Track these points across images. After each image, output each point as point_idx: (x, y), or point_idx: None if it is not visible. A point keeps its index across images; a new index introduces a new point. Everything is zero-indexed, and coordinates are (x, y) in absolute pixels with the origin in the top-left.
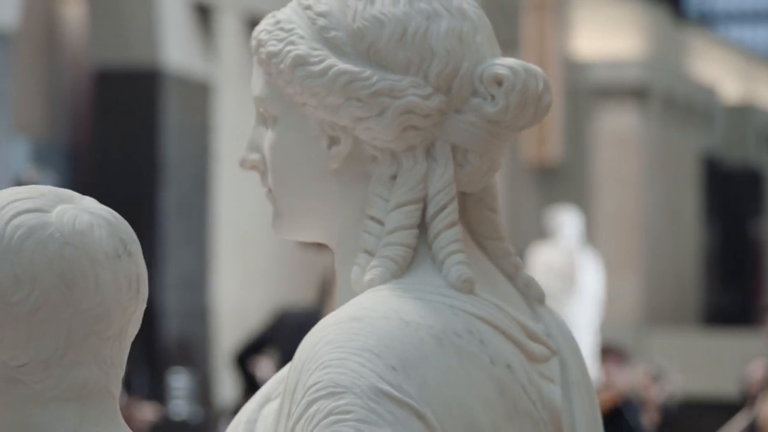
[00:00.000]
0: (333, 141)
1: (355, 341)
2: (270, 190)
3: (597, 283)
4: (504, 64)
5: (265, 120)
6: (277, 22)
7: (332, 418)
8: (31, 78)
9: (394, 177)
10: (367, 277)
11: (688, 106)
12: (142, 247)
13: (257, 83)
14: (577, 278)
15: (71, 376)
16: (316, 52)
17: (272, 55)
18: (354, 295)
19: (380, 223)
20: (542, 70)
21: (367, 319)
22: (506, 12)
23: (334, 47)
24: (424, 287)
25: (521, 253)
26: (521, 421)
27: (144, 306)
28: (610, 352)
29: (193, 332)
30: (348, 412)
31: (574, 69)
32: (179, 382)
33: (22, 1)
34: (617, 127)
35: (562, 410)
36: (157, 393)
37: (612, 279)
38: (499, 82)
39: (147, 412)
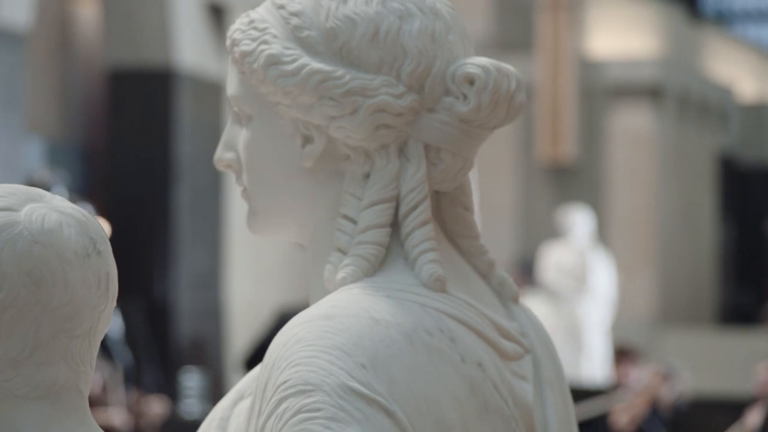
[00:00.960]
0: (307, 140)
1: (325, 339)
2: (245, 189)
3: (609, 283)
4: (476, 63)
5: (239, 119)
6: (251, 22)
7: (302, 415)
8: (44, 78)
9: (367, 176)
10: (340, 275)
11: (704, 105)
12: (156, 247)
13: (232, 82)
14: (589, 278)
15: (40, 374)
16: (289, 52)
17: (246, 54)
18: (327, 293)
19: (353, 221)
20: (514, 69)
21: (337, 317)
22: (521, 12)
23: (307, 46)
24: (396, 285)
25: (536, 253)
26: (492, 418)
27: (113, 304)
28: (624, 353)
29: (206, 331)
30: (317, 410)
31: (588, 68)
32: (191, 381)
33: (36, 1)
34: (632, 127)
35: (534, 408)
36: (170, 392)
37: (627, 278)
38: (471, 81)
39: (156, 406)
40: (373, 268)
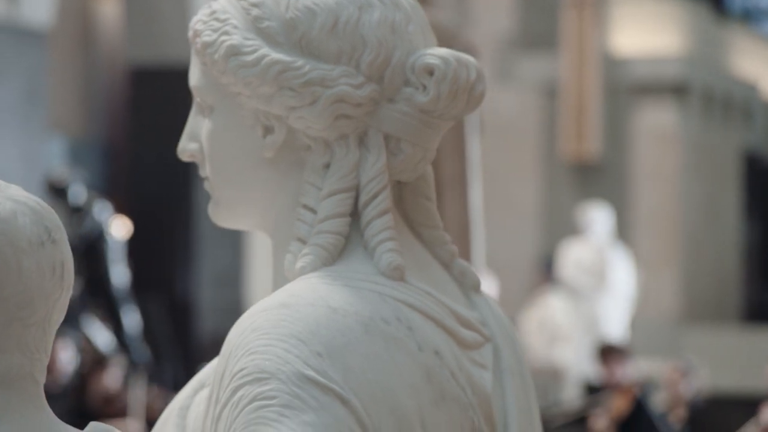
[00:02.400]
0: (267, 130)
1: (282, 328)
2: (208, 179)
3: (628, 280)
4: (435, 54)
5: (202, 110)
6: (213, 13)
7: (257, 403)
8: (66, 76)
9: (327, 166)
10: (299, 264)
11: (729, 102)
12: (177, 244)
13: (194, 73)
14: (608, 275)
15: None
16: (249, 42)
17: (207, 45)
18: (288, 282)
19: (313, 211)
20: (475, 60)
21: (294, 306)
22: (546, 9)
23: (268, 37)
24: (354, 274)
25: (557, 251)
26: (448, 406)
27: (69, 293)
28: (611, 351)
29: (227, 328)
30: (272, 397)
31: (613, 65)
32: None
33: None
34: (657, 124)
35: (492, 396)
36: None
37: (651, 276)
38: (430, 72)
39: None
40: (332, 258)
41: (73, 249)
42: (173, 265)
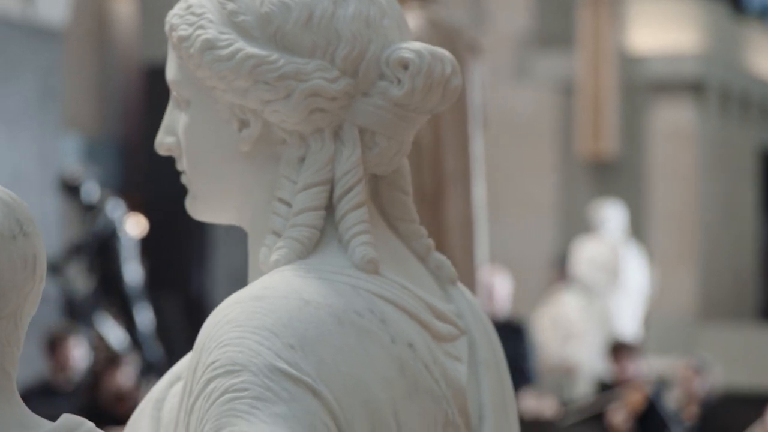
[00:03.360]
0: (243, 124)
1: (254, 320)
2: (185, 173)
3: (641, 277)
4: (410, 48)
5: (179, 104)
6: (189, 7)
7: (229, 395)
8: (81, 74)
9: (302, 159)
10: (273, 257)
11: (746, 100)
12: (192, 242)
13: (171, 67)
14: (621, 272)
15: None
16: (224, 36)
17: (183, 39)
18: (263, 275)
19: (288, 204)
20: (451, 55)
21: (267, 298)
22: (562, 7)
23: (243, 31)
24: (328, 267)
25: (571, 248)
26: (422, 398)
27: (42, 285)
28: (622, 349)
29: None
30: (244, 389)
31: (630, 63)
32: None
33: None
34: (674, 122)
35: (467, 388)
36: None
37: (668, 274)
38: (404, 65)
39: None
40: (307, 251)
41: (86, 247)
42: (188, 263)
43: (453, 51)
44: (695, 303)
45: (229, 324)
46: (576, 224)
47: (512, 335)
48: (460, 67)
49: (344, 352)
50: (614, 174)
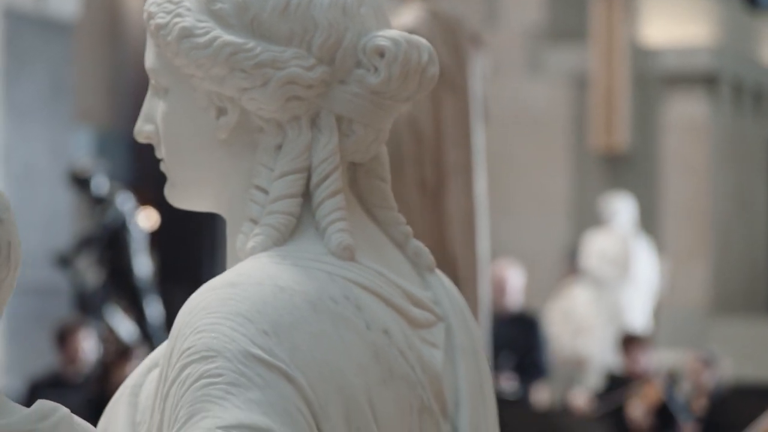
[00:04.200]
0: (220, 112)
1: (229, 306)
2: (164, 161)
3: (651, 270)
4: (386, 36)
5: (157, 91)
6: None
7: (203, 381)
8: (93, 67)
9: (279, 147)
10: (250, 244)
11: (759, 92)
12: (202, 236)
13: (149, 55)
14: (631, 265)
15: None
16: (201, 24)
17: (160, 27)
18: (240, 262)
19: (265, 192)
20: (428, 43)
21: (242, 285)
22: (575, 0)
23: (220, 19)
24: (304, 254)
25: (582, 242)
26: (396, 384)
27: (17, 273)
28: (632, 341)
29: None
30: (218, 375)
31: (643, 56)
32: None
33: None
34: (687, 115)
35: (443, 374)
36: None
37: (681, 267)
38: (381, 53)
39: None
40: (283, 238)
41: (96, 239)
42: (198, 257)
43: (455, 42)
44: (707, 296)
45: (204, 310)
46: (589, 218)
47: (525, 328)
48: (462, 59)
49: (319, 339)
50: (627, 167)
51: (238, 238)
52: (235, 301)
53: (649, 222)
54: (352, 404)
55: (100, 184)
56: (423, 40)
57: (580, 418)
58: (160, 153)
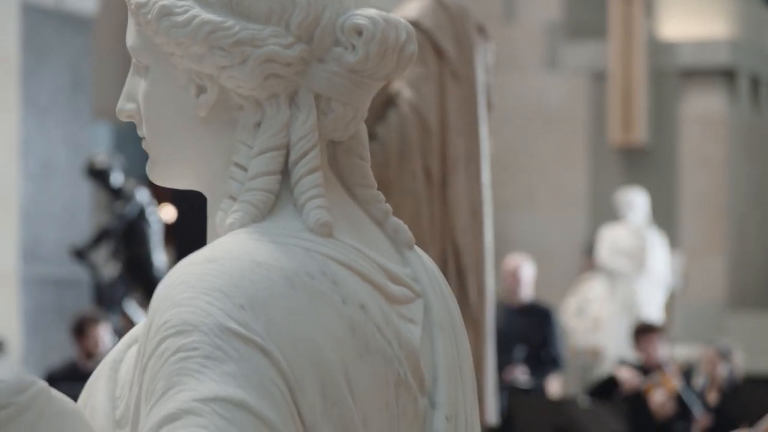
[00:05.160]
0: (200, 90)
1: (206, 281)
2: (145, 139)
3: (664, 263)
4: (364, 14)
5: (138, 70)
6: None
7: (180, 354)
8: (111, 62)
9: (258, 125)
10: (228, 221)
11: None
12: None
13: (130, 33)
14: (646, 258)
15: None
16: (180, 3)
17: (141, 5)
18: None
19: (244, 169)
20: (406, 22)
21: (220, 260)
22: None
23: None
24: (282, 231)
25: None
26: (373, 358)
27: None
28: (646, 330)
29: None
30: (195, 348)
31: (660, 51)
32: None
33: None
34: (705, 109)
35: (421, 350)
36: None
37: (698, 261)
38: (358, 32)
39: None
40: (262, 214)
41: (113, 232)
42: None
43: (461, 31)
44: (724, 290)
45: (182, 285)
46: (607, 212)
47: (538, 320)
48: (468, 49)
49: (294, 313)
50: (645, 162)
51: (218, 214)
52: (213, 276)
53: (667, 216)
54: (327, 378)
55: (116, 178)
56: (401, 19)
57: (593, 406)
58: (142, 131)
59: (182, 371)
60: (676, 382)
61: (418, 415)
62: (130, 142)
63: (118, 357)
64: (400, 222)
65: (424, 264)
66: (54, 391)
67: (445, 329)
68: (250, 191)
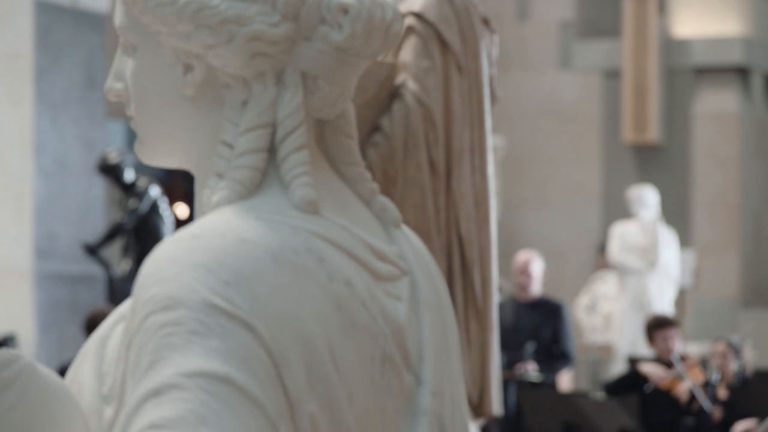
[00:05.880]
0: (187, 68)
1: (192, 257)
2: (133, 118)
3: (674, 260)
4: None
5: (126, 49)
6: None
7: (165, 329)
8: None
9: (245, 103)
10: (214, 198)
11: None
12: None
13: (118, 13)
14: (657, 255)
15: None
16: None
17: None
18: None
19: (231, 147)
20: (393, 2)
21: (205, 237)
22: None
23: None
24: (268, 208)
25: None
26: (358, 334)
27: None
28: (658, 324)
29: None
30: (180, 323)
31: (673, 48)
32: None
33: None
34: (718, 107)
35: (406, 326)
36: None
37: (711, 259)
38: (344, 10)
39: None
40: (248, 192)
41: (125, 229)
42: None
43: (468, 22)
44: (736, 288)
45: (168, 261)
46: (621, 210)
47: (548, 314)
48: (474, 41)
49: (279, 289)
50: (658, 159)
51: (204, 192)
52: (198, 252)
53: (680, 214)
54: (312, 353)
55: (130, 174)
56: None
57: (603, 401)
58: (130, 110)
59: (167, 346)
60: (702, 374)
61: (403, 391)
62: None
63: (106, 334)
64: (387, 200)
65: (410, 242)
66: (40, 367)
67: (431, 306)
68: (236, 169)
